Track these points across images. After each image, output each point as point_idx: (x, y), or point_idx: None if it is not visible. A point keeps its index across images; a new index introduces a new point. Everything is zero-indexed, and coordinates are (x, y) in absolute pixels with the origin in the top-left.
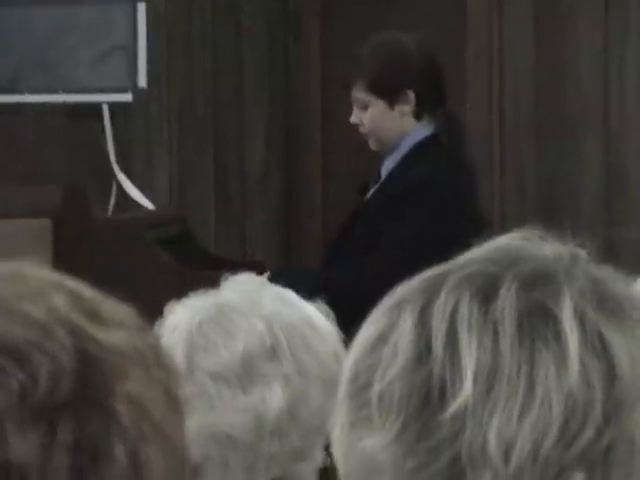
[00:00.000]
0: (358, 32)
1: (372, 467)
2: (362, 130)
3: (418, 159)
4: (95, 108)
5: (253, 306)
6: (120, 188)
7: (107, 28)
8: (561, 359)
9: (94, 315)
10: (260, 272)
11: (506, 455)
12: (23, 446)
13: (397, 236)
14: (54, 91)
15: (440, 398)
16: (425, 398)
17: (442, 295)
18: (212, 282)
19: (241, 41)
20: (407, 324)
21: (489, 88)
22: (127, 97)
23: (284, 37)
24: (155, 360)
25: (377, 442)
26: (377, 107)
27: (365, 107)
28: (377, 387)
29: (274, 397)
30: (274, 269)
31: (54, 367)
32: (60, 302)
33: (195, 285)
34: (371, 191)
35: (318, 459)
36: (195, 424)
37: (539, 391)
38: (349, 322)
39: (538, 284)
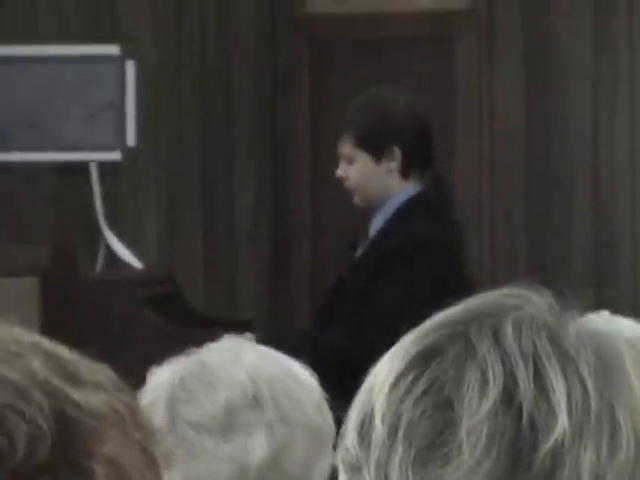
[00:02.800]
0: (347, 90)
1: None
2: (347, 185)
3: (408, 217)
4: (84, 166)
5: (235, 361)
6: (108, 246)
7: (96, 86)
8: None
9: (71, 377)
10: (248, 331)
11: None
12: None
13: (391, 296)
14: (43, 149)
15: (532, 433)
16: (516, 434)
17: (509, 332)
18: (200, 341)
19: (231, 99)
20: (484, 357)
21: (479, 148)
22: (116, 155)
23: (274, 94)
24: (133, 420)
25: None
26: (363, 161)
27: (351, 161)
28: (465, 424)
29: (257, 445)
30: (262, 336)
31: (32, 430)
32: (37, 364)
33: (183, 344)
34: (360, 250)
35: None
36: (179, 476)
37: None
38: (338, 387)
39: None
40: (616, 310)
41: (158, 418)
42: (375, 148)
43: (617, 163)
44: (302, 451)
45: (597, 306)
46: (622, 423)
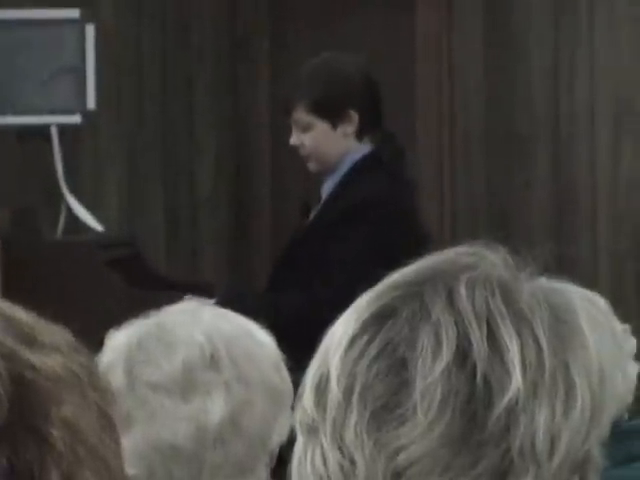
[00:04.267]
0: (308, 56)
1: (414, 467)
2: (302, 152)
3: (359, 178)
4: (44, 130)
5: (193, 321)
6: (69, 210)
7: (56, 50)
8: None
9: (28, 339)
10: (209, 293)
11: (551, 450)
12: None
13: (343, 257)
14: (3, 113)
15: (486, 393)
16: (470, 394)
17: (463, 292)
18: (162, 304)
19: (191, 63)
20: (438, 318)
21: (439, 107)
22: (76, 119)
23: (233, 60)
24: (90, 382)
25: (419, 441)
26: (320, 128)
27: (306, 129)
28: (419, 385)
29: (215, 405)
30: (222, 294)
31: None
32: None
33: (145, 307)
34: (313, 213)
35: (262, 478)
36: (138, 437)
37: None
38: (296, 349)
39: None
40: (575, 266)
41: (116, 380)
42: (332, 113)
43: (577, 120)
44: (260, 411)
45: (556, 263)
46: (577, 381)
